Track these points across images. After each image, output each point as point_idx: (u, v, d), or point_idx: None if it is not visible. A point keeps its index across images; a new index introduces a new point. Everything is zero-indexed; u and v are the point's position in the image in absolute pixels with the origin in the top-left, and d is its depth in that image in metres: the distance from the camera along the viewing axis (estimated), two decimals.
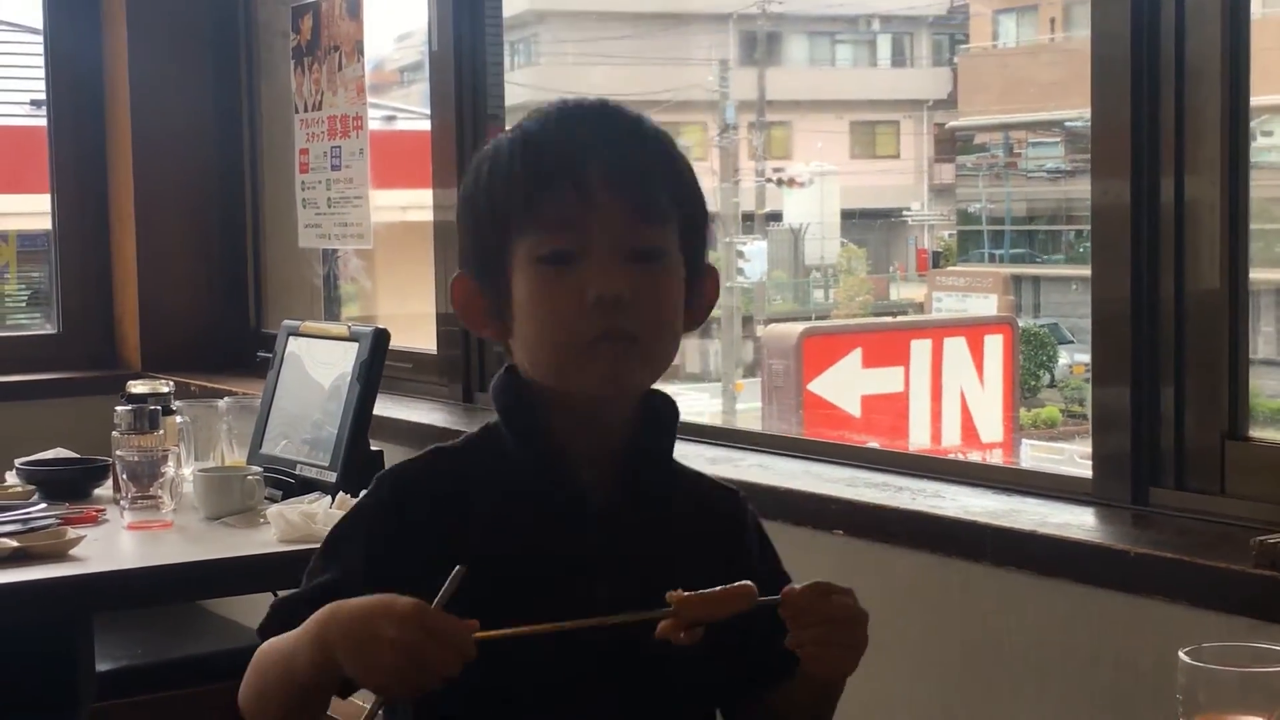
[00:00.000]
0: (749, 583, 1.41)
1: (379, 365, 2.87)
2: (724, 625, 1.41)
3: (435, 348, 3.39)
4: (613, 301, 1.44)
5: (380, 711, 1.41)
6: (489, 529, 1.49)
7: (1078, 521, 2.06)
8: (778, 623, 1.42)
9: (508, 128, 1.61)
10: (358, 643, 1.35)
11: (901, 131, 16.22)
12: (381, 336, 2.90)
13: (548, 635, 1.41)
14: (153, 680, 3.16)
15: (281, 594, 1.61)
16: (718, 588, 1.40)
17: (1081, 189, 12.37)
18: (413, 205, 4.25)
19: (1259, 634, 1.71)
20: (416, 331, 3.57)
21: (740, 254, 12.98)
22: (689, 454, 2.58)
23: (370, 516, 1.54)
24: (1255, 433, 2.06)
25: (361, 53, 3.46)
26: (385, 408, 2.97)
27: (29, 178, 4.50)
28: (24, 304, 4.80)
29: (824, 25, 16.83)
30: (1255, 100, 2.06)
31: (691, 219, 1.54)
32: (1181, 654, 1.29)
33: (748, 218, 13.68)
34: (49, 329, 4.06)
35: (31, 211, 4.77)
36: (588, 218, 1.46)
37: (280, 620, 1.49)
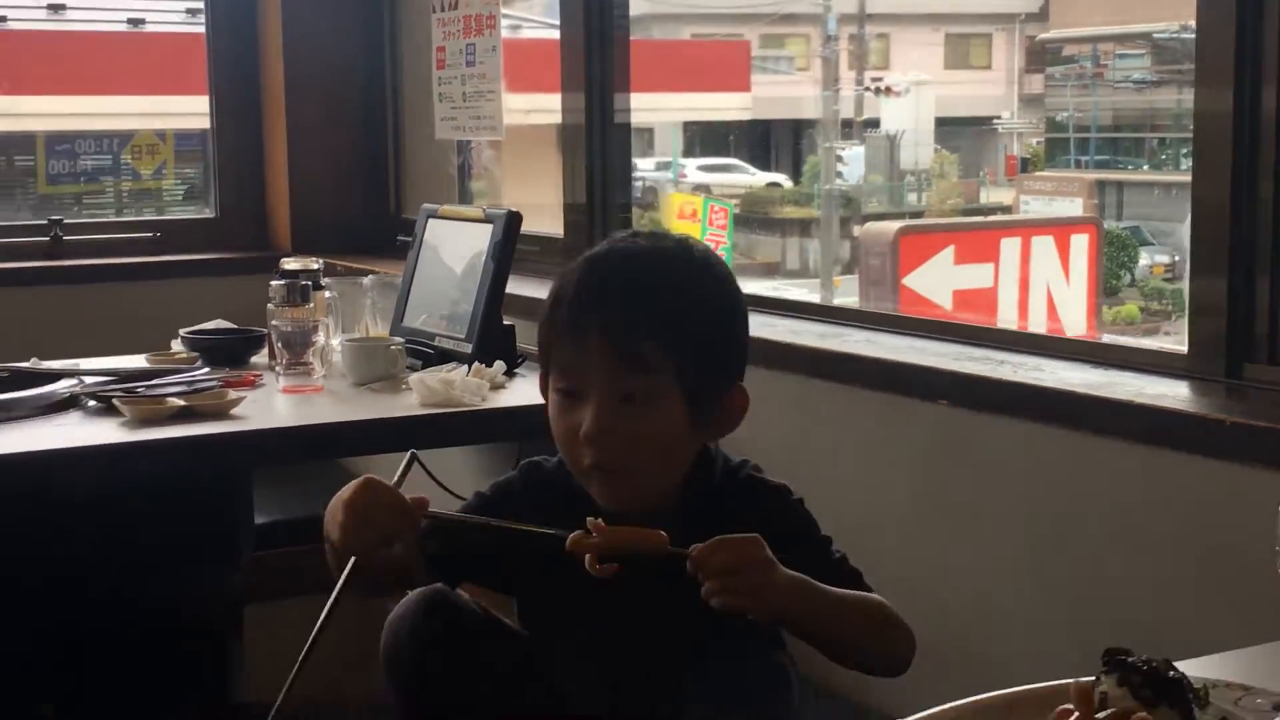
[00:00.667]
0: (662, 532, 1.52)
1: (511, 245, 2.86)
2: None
3: (562, 233, 3.37)
4: (596, 439, 1.61)
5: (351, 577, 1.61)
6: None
7: (1173, 393, 2.01)
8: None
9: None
10: (330, 507, 1.63)
11: (994, 44, 15.88)
12: (514, 219, 2.88)
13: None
14: (304, 534, 3.20)
15: None
16: (639, 528, 1.53)
17: (1166, 98, 12.08)
18: (537, 109, 4.22)
19: None
20: (541, 220, 3.54)
21: (839, 159, 12.82)
22: (800, 329, 2.58)
23: (501, 484, 1.81)
24: None
25: None
26: (515, 286, 2.94)
27: (187, 81, 4.50)
28: (180, 198, 4.83)
29: None
30: None
31: (692, 362, 1.64)
32: None
33: (847, 124, 13.49)
34: (208, 214, 4.08)
35: (188, 112, 4.80)
36: (584, 365, 1.62)
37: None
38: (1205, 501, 1.89)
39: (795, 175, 14.23)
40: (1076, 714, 1.23)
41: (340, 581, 1.61)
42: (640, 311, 1.63)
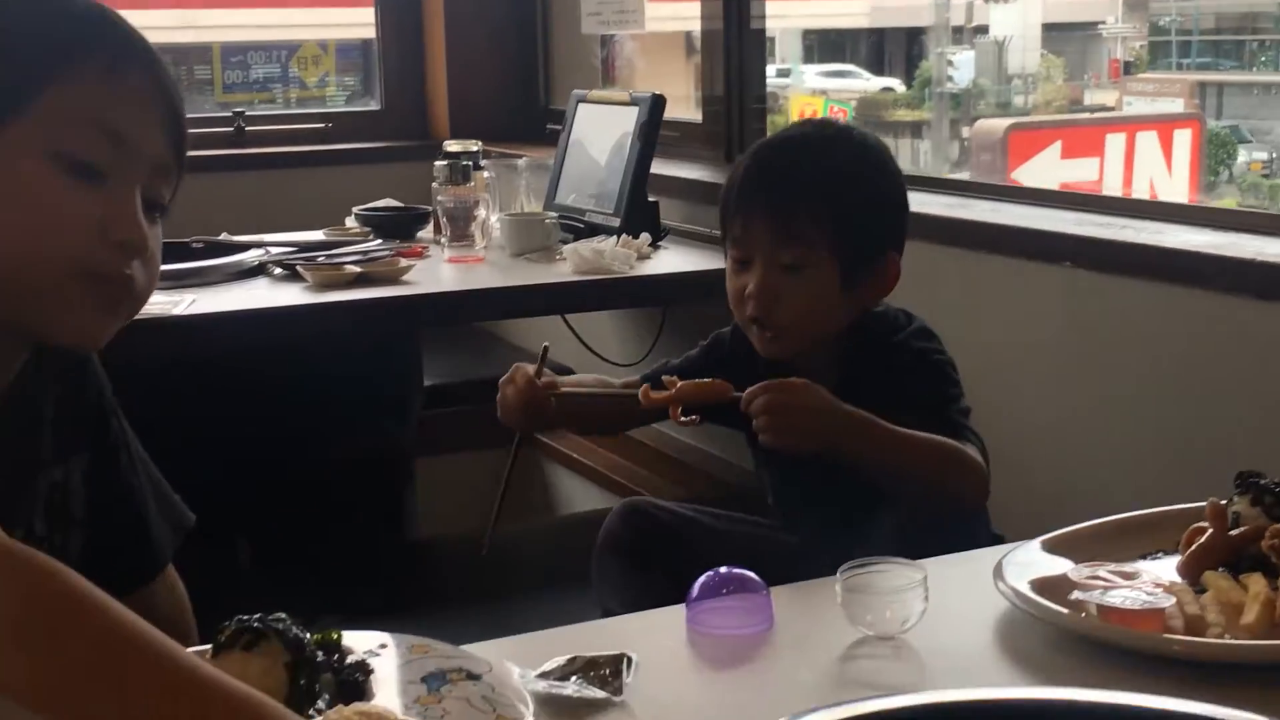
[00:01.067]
0: (725, 382, 1.63)
1: (656, 126, 2.84)
2: None
3: (701, 119, 3.33)
4: (758, 301, 1.70)
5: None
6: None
7: None
8: None
9: None
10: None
11: None
12: (659, 101, 2.86)
13: None
14: (466, 396, 3.24)
15: None
16: (704, 380, 1.65)
17: (1267, 1, 11.62)
18: (672, 16, 4.18)
19: None
20: (678, 111, 3.50)
21: (950, 63, 12.53)
22: (929, 202, 2.53)
23: (716, 337, 1.89)
24: None
25: None
26: (658, 167, 2.93)
27: None
28: (341, 104, 4.85)
29: None
30: None
31: (845, 236, 1.70)
32: None
33: (957, 31, 13.18)
34: (374, 106, 4.09)
35: (350, 23, 4.80)
36: (751, 238, 1.72)
37: None
38: None
39: (908, 80, 13.94)
40: (1210, 530, 1.21)
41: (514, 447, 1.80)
42: (798, 191, 1.71)
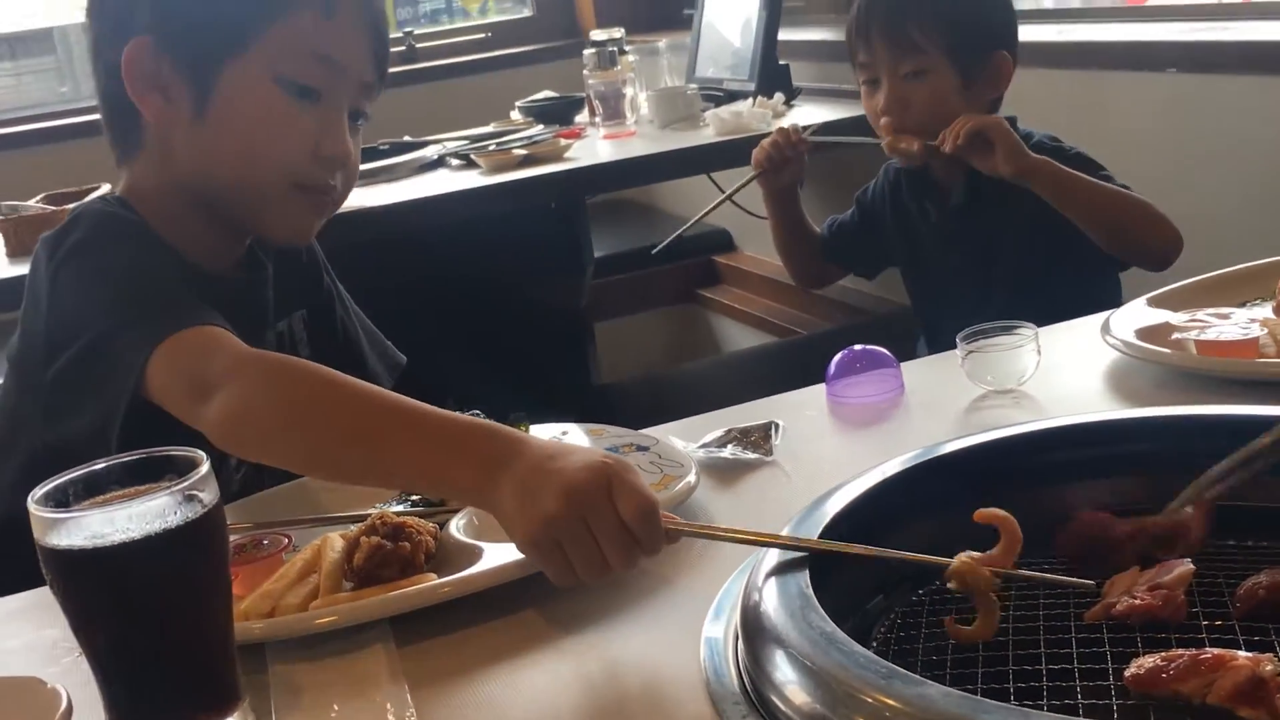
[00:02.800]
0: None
1: None
2: None
3: None
4: (890, 109, 1.81)
5: None
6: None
7: None
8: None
9: None
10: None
11: None
12: None
13: None
14: (631, 263, 3.30)
15: None
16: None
17: None
18: None
19: None
20: None
21: None
22: (1038, 32, 2.47)
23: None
24: None
25: None
26: (786, 33, 2.91)
27: None
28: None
29: None
30: None
31: (955, 37, 1.78)
32: None
33: None
34: (526, 13, 4.12)
35: None
36: (874, 58, 1.83)
37: None
38: None
39: None
40: None
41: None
42: (905, 5, 1.80)
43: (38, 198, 2.34)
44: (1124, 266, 1.77)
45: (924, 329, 2.01)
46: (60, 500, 0.75)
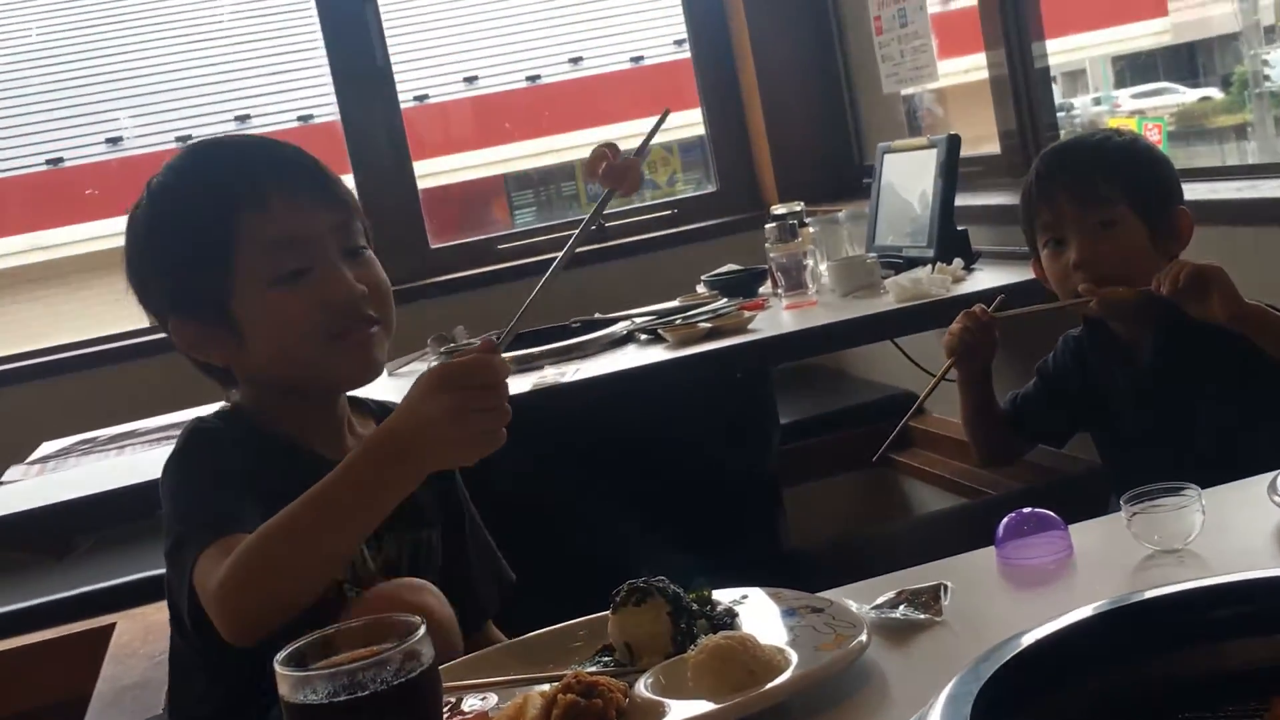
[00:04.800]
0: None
1: (954, 163, 2.94)
2: None
3: (1000, 151, 3.39)
4: (1083, 264, 1.86)
5: None
6: None
7: None
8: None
9: None
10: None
11: None
12: (954, 140, 2.96)
13: None
14: (820, 429, 3.39)
15: None
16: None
17: None
18: (967, 67, 4.23)
19: None
20: (984, 148, 3.56)
21: (1265, 62, 11.88)
22: (1219, 189, 2.52)
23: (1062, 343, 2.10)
24: None
25: None
26: (965, 199, 3.02)
27: (683, 98, 4.71)
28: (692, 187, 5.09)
29: None
30: None
31: (1139, 190, 1.87)
32: None
33: (1269, 30, 12.49)
34: (710, 188, 4.33)
35: (685, 124, 5.07)
36: (1061, 216, 1.90)
37: None
38: None
39: (1224, 86, 13.28)
40: None
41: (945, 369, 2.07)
42: (1089, 159, 1.91)
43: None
44: None
45: (1116, 488, 2.03)
46: (299, 660, 0.88)
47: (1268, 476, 1.29)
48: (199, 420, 1.48)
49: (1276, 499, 1.23)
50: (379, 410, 1.58)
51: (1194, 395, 1.87)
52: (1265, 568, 1.16)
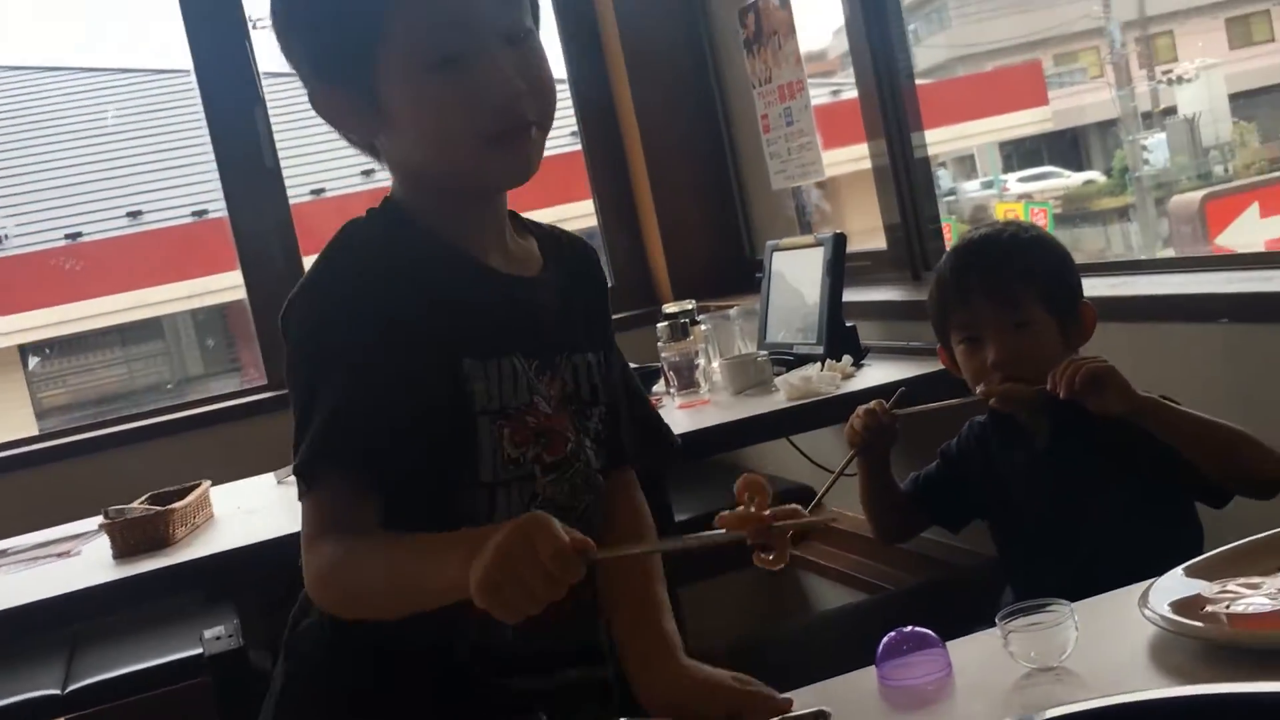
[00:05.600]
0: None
1: (841, 259, 2.98)
2: None
3: (886, 246, 3.45)
4: (1001, 364, 1.90)
5: None
6: None
7: None
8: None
9: None
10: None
11: (1273, 17, 14.93)
12: (840, 239, 3.00)
13: None
14: (712, 524, 3.38)
15: None
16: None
17: None
18: (853, 158, 4.32)
19: None
20: (871, 240, 3.62)
21: (1144, 148, 12.29)
22: (1096, 285, 2.58)
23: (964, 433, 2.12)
24: None
25: (794, 32, 3.53)
26: (854, 294, 3.06)
27: (574, 190, 4.79)
28: None
29: None
30: None
31: (1050, 296, 1.92)
32: None
33: (1146, 116, 12.95)
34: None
35: (578, 215, 5.13)
36: (978, 315, 1.94)
37: None
38: None
39: (1106, 170, 13.70)
40: None
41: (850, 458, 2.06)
42: (1004, 260, 1.94)
43: (142, 498, 2.51)
44: (1225, 500, 1.82)
45: (1011, 579, 2.06)
46: None
47: (1138, 588, 1.31)
48: (352, 226, 1.35)
49: (1147, 611, 1.24)
50: (537, 231, 1.46)
51: (1081, 481, 1.90)
52: (1139, 683, 1.17)
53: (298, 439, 1.27)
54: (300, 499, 1.27)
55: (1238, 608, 1.17)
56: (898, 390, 2.09)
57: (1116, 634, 1.27)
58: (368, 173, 5.94)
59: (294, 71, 1.36)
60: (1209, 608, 1.20)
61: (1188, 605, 1.22)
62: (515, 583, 1.08)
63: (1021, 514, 2.00)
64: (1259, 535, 1.36)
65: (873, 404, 2.05)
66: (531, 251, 1.43)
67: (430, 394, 1.29)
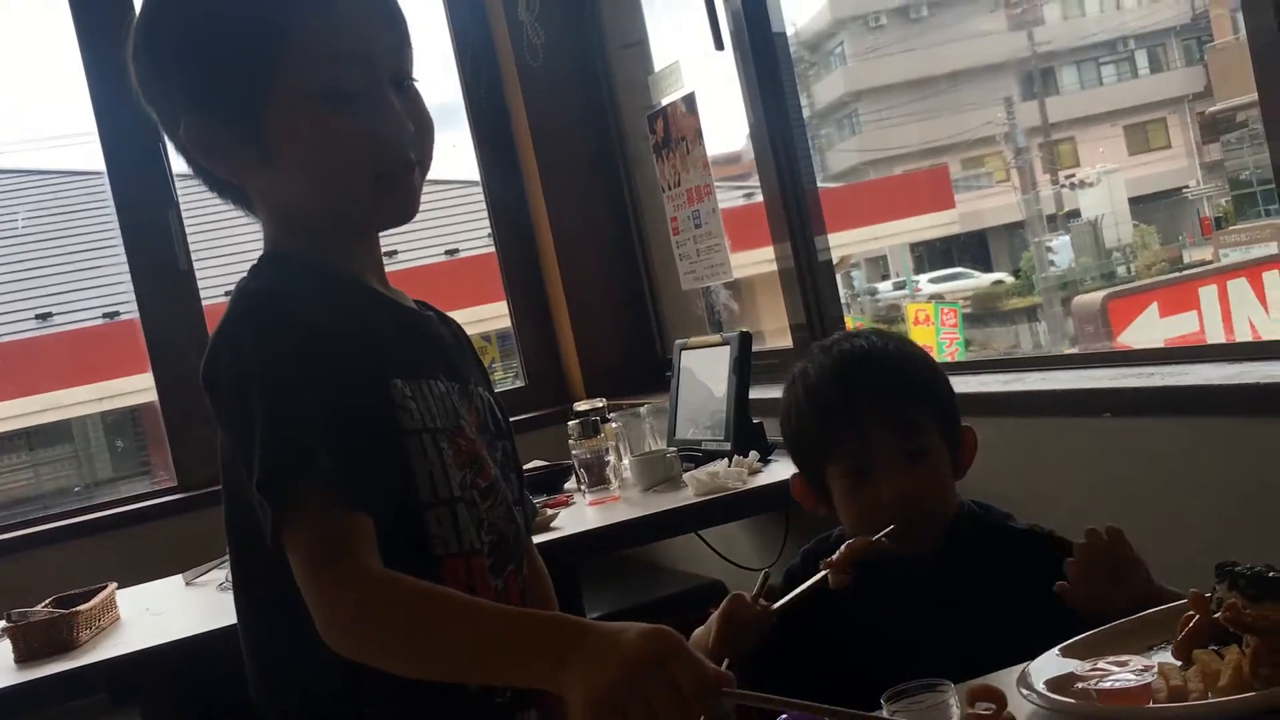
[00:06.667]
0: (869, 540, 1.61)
1: (747, 358, 3.06)
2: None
3: (792, 344, 3.54)
4: (902, 501, 1.63)
5: None
6: None
7: None
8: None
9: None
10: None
11: (1169, 125, 15.52)
12: (746, 338, 3.09)
13: None
14: (630, 619, 3.40)
15: None
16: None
17: None
18: (764, 259, 4.44)
19: None
20: (782, 338, 3.71)
21: (1049, 249, 12.69)
22: (990, 381, 2.67)
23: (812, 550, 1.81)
24: None
25: (701, 137, 3.65)
26: (762, 391, 3.13)
27: (488, 291, 4.84)
28: (509, 385, 5.17)
29: (1088, 53, 16.30)
30: None
31: (943, 416, 1.70)
32: None
33: (1050, 219, 13.38)
34: (520, 384, 4.39)
35: (492, 316, 5.19)
36: (871, 445, 1.65)
37: None
38: None
39: (1014, 270, 14.10)
40: (1196, 616, 1.33)
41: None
42: (900, 384, 1.69)
43: (46, 602, 2.50)
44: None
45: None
46: None
47: (1018, 668, 1.37)
48: (244, 282, 1.31)
49: (1023, 691, 1.30)
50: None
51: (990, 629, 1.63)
52: None
53: (249, 454, 1.19)
54: (273, 523, 1.18)
55: (1106, 684, 1.24)
56: (762, 574, 1.72)
57: None
58: None
59: (150, 105, 1.33)
60: (1079, 685, 1.26)
61: (1062, 683, 1.29)
62: (643, 708, 0.98)
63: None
64: (1128, 618, 1.43)
65: (737, 595, 1.68)
66: (404, 295, 1.47)
67: (371, 414, 1.27)
